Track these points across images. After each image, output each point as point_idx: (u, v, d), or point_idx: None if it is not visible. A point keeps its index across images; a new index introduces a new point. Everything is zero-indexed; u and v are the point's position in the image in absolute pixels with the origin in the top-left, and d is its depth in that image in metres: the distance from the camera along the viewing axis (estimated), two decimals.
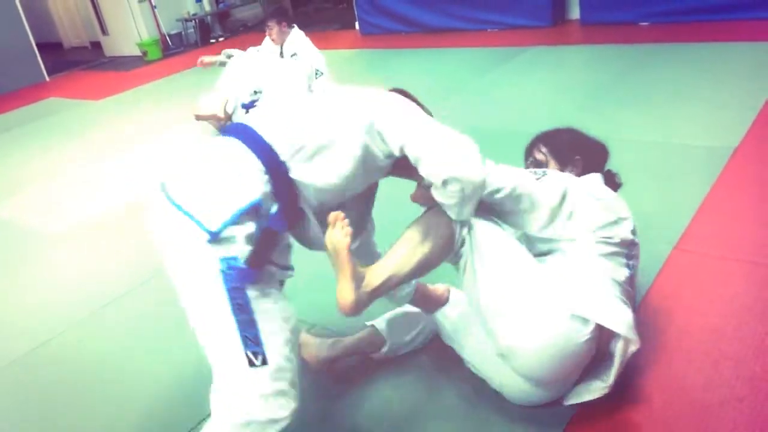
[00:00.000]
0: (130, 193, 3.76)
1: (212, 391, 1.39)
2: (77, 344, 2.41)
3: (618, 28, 5.30)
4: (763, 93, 3.42)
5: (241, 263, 1.31)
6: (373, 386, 1.88)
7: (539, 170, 1.72)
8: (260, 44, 4.66)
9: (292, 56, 4.27)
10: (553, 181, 1.66)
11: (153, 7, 8.39)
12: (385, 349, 1.89)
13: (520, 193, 1.61)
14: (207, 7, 8.87)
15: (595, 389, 1.60)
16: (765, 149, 2.89)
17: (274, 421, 1.33)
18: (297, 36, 4.37)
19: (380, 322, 1.90)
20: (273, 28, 4.33)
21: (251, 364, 1.31)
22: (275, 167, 1.40)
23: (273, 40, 4.39)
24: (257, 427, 1.32)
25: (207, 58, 4.33)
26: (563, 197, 1.63)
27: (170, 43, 8.47)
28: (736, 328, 1.85)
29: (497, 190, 1.59)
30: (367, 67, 5.96)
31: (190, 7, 8.74)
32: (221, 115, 4.26)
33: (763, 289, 2.02)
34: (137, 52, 8.35)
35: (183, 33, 8.67)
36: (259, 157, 1.40)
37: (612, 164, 2.01)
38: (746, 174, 2.71)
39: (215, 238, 1.31)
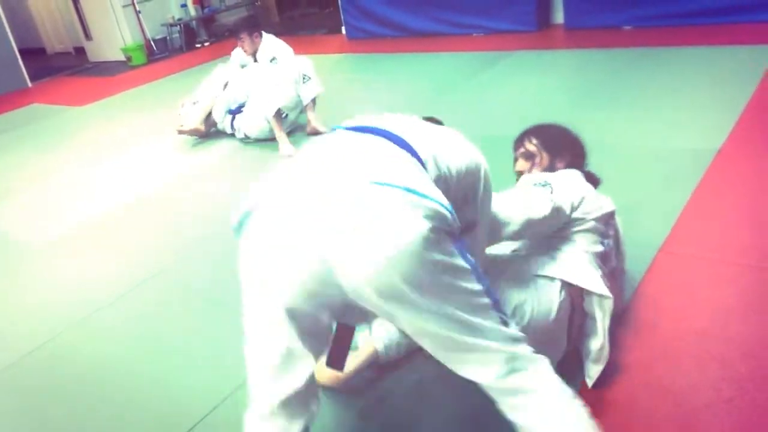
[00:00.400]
0: (120, 198, 3.74)
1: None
2: (75, 346, 2.39)
3: (602, 33, 5.35)
4: (743, 95, 3.47)
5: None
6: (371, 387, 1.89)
7: (544, 182, 1.78)
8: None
9: (271, 61, 4.25)
10: (563, 197, 1.74)
11: (137, 12, 8.34)
12: (383, 359, 1.91)
13: (533, 224, 1.68)
14: (192, 12, 8.83)
15: (596, 357, 1.70)
16: (747, 151, 2.92)
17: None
18: (271, 41, 4.35)
19: (377, 341, 1.91)
20: (245, 39, 4.32)
21: (505, 324, 1.31)
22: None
23: (245, 50, 4.39)
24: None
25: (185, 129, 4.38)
26: (572, 210, 1.76)
27: (155, 48, 8.42)
28: (722, 329, 1.87)
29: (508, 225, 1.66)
30: (353, 72, 5.96)
31: (175, 12, 8.69)
32: (202, 128, 4.34)
33: (748, 290, 2.04)
34: (122, 58, 8.29)
35: (168, 38, 8.62)
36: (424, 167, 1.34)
37: (597, 167, 2.05)
38: (729, 176, 2.74)
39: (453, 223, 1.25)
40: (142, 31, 8.42)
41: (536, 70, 4.85)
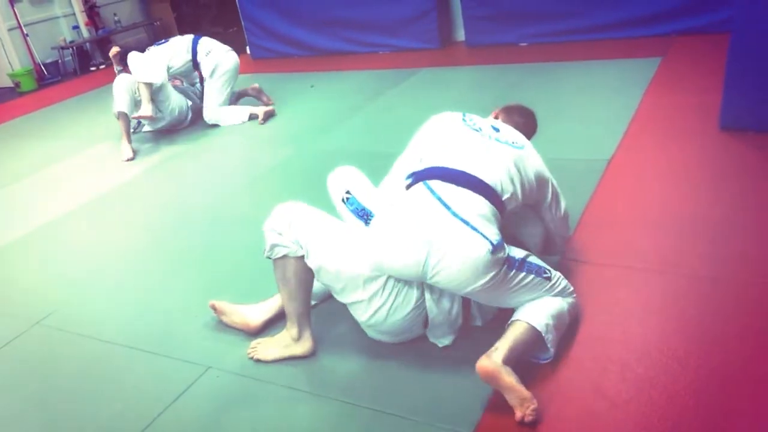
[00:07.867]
0: (8, 235, 3.47)
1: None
2: None
3: (500, 49, 5.56)
4: (630, 106, 3.69)
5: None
6: None
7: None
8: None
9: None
10: None
11: (25, 35, 7.85)
12: None
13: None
14: (85, 34, 8.42)
15: None
16: (636, 159, 3.10)
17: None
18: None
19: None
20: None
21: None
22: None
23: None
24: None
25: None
26: None
27: (46, 72, 7.95)
28: (620, 332, 1.95)
29: None
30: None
31: (67, 34, 8.25)
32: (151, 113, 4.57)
33: (641, 291, 2.14)
34: (9, 84, 7.77)
35: (60, 61, 8.17)
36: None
37: None
38: (621, 183, 2.89)
39: (495, 249, 1.76)
40: (31, 55, 7.93)
41: (440, 86, 4.95)
